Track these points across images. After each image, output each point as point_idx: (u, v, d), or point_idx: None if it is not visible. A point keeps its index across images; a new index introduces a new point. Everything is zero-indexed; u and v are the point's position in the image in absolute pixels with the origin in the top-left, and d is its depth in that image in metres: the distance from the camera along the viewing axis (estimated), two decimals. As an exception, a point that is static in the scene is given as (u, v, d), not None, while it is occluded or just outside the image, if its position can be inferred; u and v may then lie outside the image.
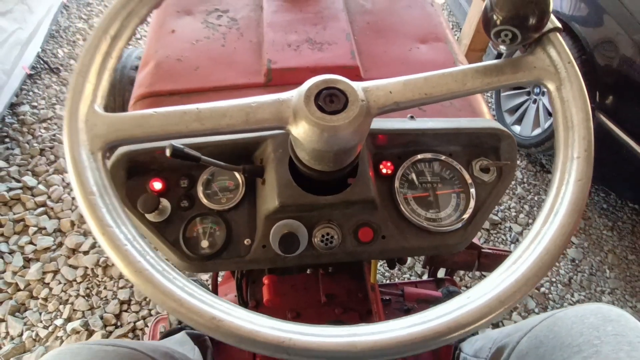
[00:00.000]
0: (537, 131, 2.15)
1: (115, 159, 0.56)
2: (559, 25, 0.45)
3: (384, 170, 0.60)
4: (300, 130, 0.42)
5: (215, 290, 1.11)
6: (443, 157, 0.61)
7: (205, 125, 0.42)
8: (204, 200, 0.58)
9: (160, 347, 0.67)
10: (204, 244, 0.57)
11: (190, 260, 0.56)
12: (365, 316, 0.87)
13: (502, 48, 0.45)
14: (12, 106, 2.26)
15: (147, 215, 0.56)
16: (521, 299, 0.38)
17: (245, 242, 0.57)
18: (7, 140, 2.12)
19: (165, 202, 0.57)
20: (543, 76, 0.45)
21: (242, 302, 0.90)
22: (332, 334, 0.35)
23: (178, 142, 0.49)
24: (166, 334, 1.03)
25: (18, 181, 1.95)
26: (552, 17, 0.44)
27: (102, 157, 0.41)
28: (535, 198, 2.16)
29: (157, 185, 0.58)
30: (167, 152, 0.46)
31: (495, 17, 0.41)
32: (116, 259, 0.36)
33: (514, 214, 2.08)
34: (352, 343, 0.34)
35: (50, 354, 0.54)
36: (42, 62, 2.50)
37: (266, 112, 0.42)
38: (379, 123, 0.61)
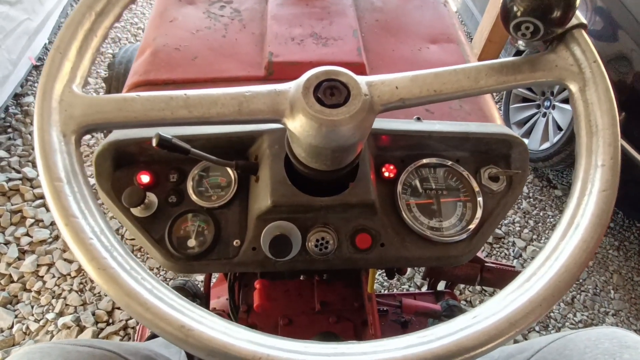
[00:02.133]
0: (546, 145, 2.11)
1: (102, 148, 0.53)
2: (585, 21, 0.42)
3: (386, 174, 0.57)
4: (297, 124, 0.39)
5: (207, 292, 1.08)
6: (449, 163, 0.58)
7: (192, 113, 0.39)
8: (194, 197, 0.55)
9: (142, 349, 0.64)
10: (191, 243, 0.53)
11: (175, 259, 0.53)
12: (360, 327, 0.83)
13: (521, 44, 0.42)
14: (17, 96, 2.25)
15: (132, 210, 0.53)
16: (534, 321, 0.33)
17: (234, 243, 0.54)
18: (9, 130, 2.11)
19: (152, 197, 0.54)
20: (565, 76, 0.42)
21: (234, 305, 0.87)
22: (316, 352, 0.31)
23: (168, 133, 0.46)
24: (153, 335, 1.00)
25: (18, 172, 1.94)
26: (578, 12, 0.41)
27: (75, 141, 0.37)
28: (541, 214, 2.11)
29: (145, 178, 0.55)
30: (154, 142, 0.43)
31: (515, 8, 0.38)
32: (78, 253, 0.33)
33: (518, 228, 2.04)
34: None
35: (19, 352, 0.51)
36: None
37: (261, 102, 0.39)
38: (383, 123, 0.57)
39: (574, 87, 0.41)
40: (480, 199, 0.57)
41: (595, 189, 0.38)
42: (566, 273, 0.35)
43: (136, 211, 0.53)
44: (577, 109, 0.41)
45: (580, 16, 0.41)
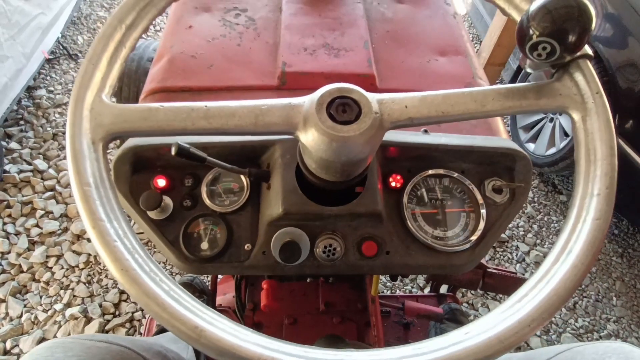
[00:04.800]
0: (552, 150, 2.11)
1: (121, 153, 0.55)
2: (591, 52, 0.43)
3: (393, 184, 0.59)
4: (309, 138, 0.40)
5: (214, 290, 1.11)
6: (455, 175, 0.60)
7: (212, 124, 0.41)
8: (207, 201, 0.57)
9: (154, 345, 0.66)
10: (204, 245, 0.56)
11: (189, 261, 0.55)
12: (363, 328, 0.85)
13: (530, 65, 0.43)
14: (29, 89, 2.28)
15: (149, 213, 0.55)
16: (522, 340, 0.35)
17: (245, 247, 0.56)
18: (21, 122, 2.14)
19: (167, 200, 0.57)
20: (568, 104, 0.43)
21: (240, 303, 0.89)
22: (317, 358, 0.33)
23: (185, 141, 0.48)
24: (161, 330, 1.03)
25: (29, 164, 1.97)
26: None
27: (103, 148, 0.40)
28: (545, 218, 2.12)
29: (161, 182, 0.57)
30: (173, 151, 0.45)
31: (532, 29, 0.39)
32: (104, 255, 0.35)
33: (521, 232, 2.04)
34: None
35: (42, 345, 0.53)
36: (61, 47, 2.52)
37: (276, 116, 0.41)
38: (391, 135, 0.59)
39: (576, 116, 0.43)
40: (483, 211, 0.58)
41: (590, 217, 0.39)
42: (555, 297, 0.37)
43: (152, 214, 0.56)
44: (578, 138, 0.42)
45: (587, 47, 0.43)
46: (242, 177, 0.58)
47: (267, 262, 0.55)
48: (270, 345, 0.34)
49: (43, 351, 0.51)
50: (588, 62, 0.43)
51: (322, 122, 0.39)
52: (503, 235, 2.01)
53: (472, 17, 3.24)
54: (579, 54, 0.42)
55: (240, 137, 0.57)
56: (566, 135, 2.05)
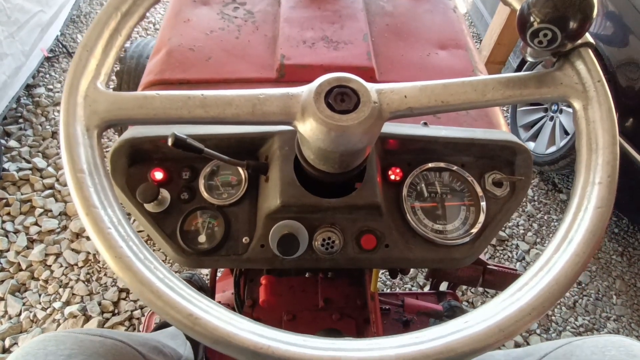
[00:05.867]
0: (552, 149, 2.10)
1: (117, 145, 0.55)
2: (592, 41, 0.42)
3: (393, 177, 0.58)
4: (307, 128, 0.40)
5: (213, 286, 1.10)
6: (455, 168, 0.59)
7: (209, 113, 0.40)
8: (205, 194, 0.56)
9: (150, 340, 0.66)
10: (202, 238, 0.55)
11: (186, 254, 0.55)
12: (362, 325, 0.85)
13: (531, 54, 0.43)
14: (28, 87, 2.28)
15: (146, 205, 0.55)
16: (523, 329, 0.35)
17: (243, 240, 0.55)
18: (20, 120, 2.14)
19: (165, 193, 0.56)
20: (569, 94, 0.43)
21: (239, 300, 0.89)
22: (315, 346, 0.33)
23: (183, 133, 0.47)
24: (159, 326, 1.02)
25: (28, 162, 1.97)
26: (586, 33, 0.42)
27: (97, 135, 0.40)
28: (545, 217, 2.11)
29: (158, 175, 0.56)
30: (169, 141, 0.45)
31: (533, 16, 0.38)
32: (97, 242, 0.35)
33: (522, 231, 2.04)
34: (335, 358, 0.32)
35: (35, 339, 0.53)
36: (60, 45, 2.52)
37: (274, 105, 0.41)
38: (391, 127, 0.59)
39: (577, 105, 0.42)
40: (483, 204, 0.58)
41: (591, 205, 0.39)
42: (556, 285, 0.36)
43: (149, 207, 0.55)
44: (579, 127, 0.42)
45: (588, 36, 0.42)
46: (240, 169, 0.58)
47: (265, 256, 0.55)
48: (266, 334, 0.33)
49: (35, 344, 0.51)
50: (589, 50, 0.43)
51: (320, 111, 0.39)
52: (503, 234, 2.00)
53: (472, 16, 3.24)
54: (580, 41, 0.42)
55: (238, 129, 0.56)
56: (566, 133, 2.05)
